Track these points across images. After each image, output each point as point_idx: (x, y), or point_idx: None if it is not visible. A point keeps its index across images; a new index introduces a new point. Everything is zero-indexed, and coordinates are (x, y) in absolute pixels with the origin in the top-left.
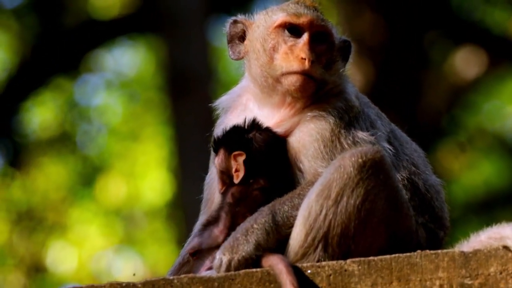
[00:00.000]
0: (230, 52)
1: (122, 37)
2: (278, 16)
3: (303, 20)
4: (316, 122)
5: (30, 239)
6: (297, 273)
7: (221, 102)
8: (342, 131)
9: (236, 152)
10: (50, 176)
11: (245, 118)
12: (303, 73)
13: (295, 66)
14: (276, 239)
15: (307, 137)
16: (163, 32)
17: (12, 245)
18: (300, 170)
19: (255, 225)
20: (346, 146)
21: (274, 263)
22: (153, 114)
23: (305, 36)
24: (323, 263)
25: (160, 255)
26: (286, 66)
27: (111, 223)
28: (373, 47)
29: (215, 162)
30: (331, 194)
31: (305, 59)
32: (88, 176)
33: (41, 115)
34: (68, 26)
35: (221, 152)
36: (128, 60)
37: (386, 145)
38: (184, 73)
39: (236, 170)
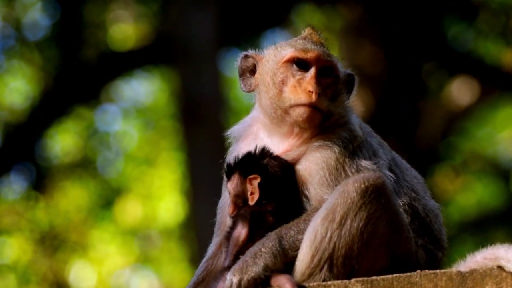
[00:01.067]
0: (242, 85)
1: (138, 68)
2: (287, 51)
3: (310, 55)
4: (322, 151)
5: (52, 258)
6: None
7: (233, 131)
8: (347, 159)
9: (251, 176)
10: (71, 198)
11: (257, 146)
12: (310, 105)
13: (303, 98)
14: (283, 262)
15: (314, 165)
16: (176, 63)
17: (36, 263)
18: (306, 197)
19: (263, 249)
20: (350, 174)
21: (282, 283)
22: (167, 140)
23: (312, 70)
24: (329, 282)
25: (175, 274)
26: (295, 98)
27: (128, 243)
28: (373, 77)
29: (229, 186)
30: (335, 217)
31: (312, 92)
32: (107, 198)
33: (63, 141)
34: (87, 57)
35: (236, 177)
36: (144, 90)
37: (388, 173)
38: (196, 101)
39: (251, 193)
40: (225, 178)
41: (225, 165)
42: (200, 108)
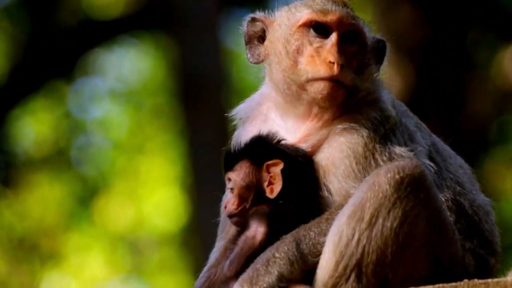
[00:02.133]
0: (249, 55)
1: (124, 35)
2: (303, 13)
3: (331, 17)
4: (347, 136)
5: (20, 270)
6: None
7: (238, 111)
8: (377, 145)
9: (271, 162)
10: (43, 196)
11: (267, 130)
12: (331, 79)
13: (322, 71)
14: (302, 269)
15: (337, 153)
16: (171, 32)
17: (2, 276)
18: (329, 192)
19: (277, 254)
20: (381, 163)
21: None
22: (161, 124)
23: (334, 36)
24: None
25: (172, 286)
26: (312, 71)
27: (114, 250)
28: (410, 46)
29: (234, 177)
30: (364, 216)
31: (333, 63)
32: (87, 196)
33: (33, 126)
34: (64, 24)
35: (245, 164)
36: (130, 63)
37: (427, 162)
38: (196, 78)
39: (270, 183)
40: (224, 167)
41: (228, 150)
42: (202, 86)
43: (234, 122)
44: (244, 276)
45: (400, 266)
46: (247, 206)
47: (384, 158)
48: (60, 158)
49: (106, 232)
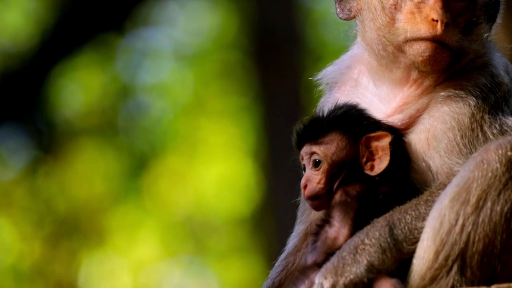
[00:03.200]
0: (338, 9)
1: None
2: None
3: None
4: (452, 105)
5: (62, 248)
6: None
7: (325, 75)
8: (486, 116)
9: (374, 134)
10: (88, 168)
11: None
12: (434, 40)
13: (424, 30)
14: (395, 259)
15: (440, 124)
16: None
17: (39, 260)
18: (428, 169)
19: (366, 240)
20: (491, 136)
21: None
22: (230, 85)
23: None
24: None
25: (242, 273)
26: (412, 30)
27: (169, 229)
28: None
29: (322, 150)
30: (470, 198)
31: (437, 21)
32: (138, 168)
33: (79, 87)
34: None
35: (338, 137)
36: (192, 12)
37: None
38: (274, 35)
39: (369, 159)
40: (305, 138)
41: (312, 119)
42: (278, 44)
43: (320, 87)
44: (328, 265)
45: (511, 258)
46: (336, 185)
47: (494, 131)
48: (108, 124)
49: (160, 209)
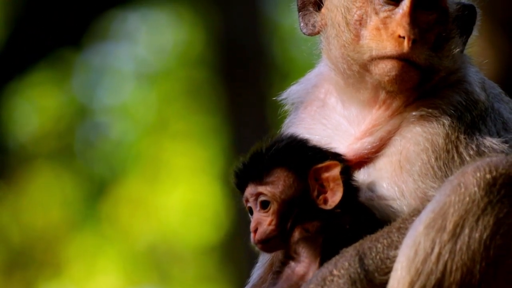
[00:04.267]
0: (302, 24)
1: None
2: None
3: None
4: (425, 125)
5: (16, 278)
6: None
7: (290, 94)
8: (462, 136)
9: (321, 165)
10: (44, 194)
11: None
12: (401, 58)
13: (390, 48)
14: None
15: (413, 146)
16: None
17: None
18: (402, 194)
19: (335, 271)
20: (467, 158)
21: None
22: (195, 103)
23: (406, 3)
24: None
25: None
26: (377, 47)
27: (130, 258)
28: (508, 16)
29: (270, 191)
30: (446, 224)
31: (404, 37)
32: (95, 194)
33: (34, 106)
34: None
35: (283, 173)
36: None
37: None
38: (241, 51)
39: (321, 192)
40: (246, 179)
41: (252, 157)
42: (246, 61)
43: (286, 107)
44: None
45: None
46: (289, 224)
47: (471, 152)
48: (64, 147)
49: (119, 237)
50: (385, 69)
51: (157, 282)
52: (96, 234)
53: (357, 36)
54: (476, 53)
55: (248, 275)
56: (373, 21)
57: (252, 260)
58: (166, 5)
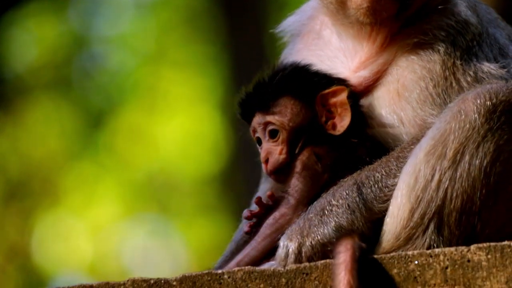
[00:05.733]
0: None
1: None
2: None
3: None
4: (420, 53)
5: (14, 208)
6: (379, 270)
7: (287, 26)
8: (458, 62)
9: (328, 90)
10: (41, 123)
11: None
12: None
13: None
14: (366, 219)
15: (410, 74)
16: None
17: None
18: (401, 122)
19: (333, 201)
20: (465, 84)
21: (339, 250)
22: (194, 32)
23: None
24: (437, 250)
25: (207, 232)
26: None
27: (130, 187)
28: None
29: (278, 120)
30: (447, 151)
31: None
32: (94, 122)
33: (29, 38)
34: None
35: (289, 102)
36: None
37: None
38: None
39: (329, 118)
40: (253, 109)
41: (256, 87)
42: None
43: (283, 39)
44: (294, 227)
45: (491, 215)
46: (298, 151)
47: (469, 79)
48: (62, 78)
49: (119, 167)
50: (357, 2)
51: (155, 211)
52: (94, 163)
53: None
54: None
55: (247, 205)
56: None
57: (251, 189)
58: None
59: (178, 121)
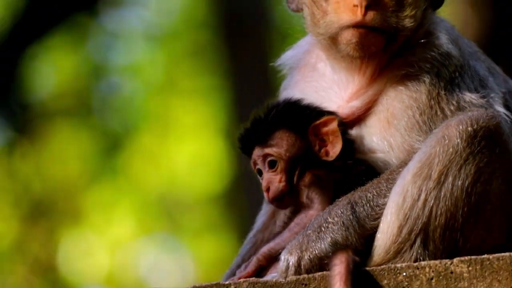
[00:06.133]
0: (288, 2)
1: None
2: None
3: None
4: (407, 84)
5: (38, 228)
6: (371, 281)
7: (285, 59)
8: (442, 92)
9: (319, 121)
10: (63, 148)
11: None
12: (358, 26)
13: (346, 18)
14: (359, 235)
15: (398, 103)
16: None
17: (17, 239)
18: (391, 147)
19: (329, 219)
20: (448, 113)
21: (335, 263)
22: (200, 64)
23: None
24: (423, 263)
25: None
26: (338, 20)
27: (144, 207)
28: None
29: (275, 151)
30: (432, 173)
31: (357, 6)
32: (111, 148)
33: (52, 68)
34: None
35: (285, 134)
36: None
37: (502, 110)
38: (242, 13)
39: (322, 146)
40: (252, 143)
41: (254, 123)
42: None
43: (283, 72)
44: (294, 242)
45: (472, 231)
46: (296, 180)
47: (452, 108)
48: (82, 105)
49: (135, 188)
50: (347, 38)
51: (167, 229)
52: (112, 186)
53: (325, 12)
54: (459, 20)
55: (250, 222)
56: None
57: (252, 208)
58: None
59: (187, 145)
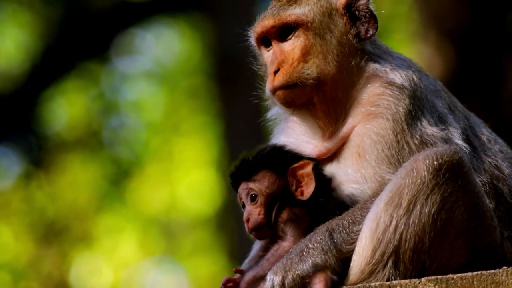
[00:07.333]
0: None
1: (160, 16)
2: (255, 27)
3: (265, 24)
4: (373, 122)
5: (51, 252)
6: None
7: (272, 114)
8: (405, 127)
9: (297, 165)
10: (75, 178)
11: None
12: (275, 90)
13: (268, 85)
14: (337, 258)
15: (367, 139)
16: (207, 11)
17: (32, 259)
18: (365, 179)
19: (310, 245)
20: (413, 147)
21: (315, 282)
22: (197, 105)
23: (273, 43)
24: (394, 282)
25: (206, 270)
26: (267, 87)
27: (146, 232)
28: (453, 28)
29: (257, 187)
30: (402, 202)
31: (272, 73)
32: (119, 178)
33: (66, 107)
34: (98, 4)
35: (267, 174)
36: (165, 42)
37: (462, 143)
38: (233, 59)
39: (298, 186)
40: (239, 179)
41: (243, 162)
42: (238, 67)
43: (272, 121)
44: (278, 264)
45: (438, 253)
46: (274, 214)
47: (416, 141)
48: (92, 139)
49: (139, 214)
50: (276, 100)
51: (166, 252)
52: (119, 211)
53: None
54: (424, 61)
55: (239, 244)
56: (268, 64)
57: (241, 231)
58: (169, 22)
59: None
